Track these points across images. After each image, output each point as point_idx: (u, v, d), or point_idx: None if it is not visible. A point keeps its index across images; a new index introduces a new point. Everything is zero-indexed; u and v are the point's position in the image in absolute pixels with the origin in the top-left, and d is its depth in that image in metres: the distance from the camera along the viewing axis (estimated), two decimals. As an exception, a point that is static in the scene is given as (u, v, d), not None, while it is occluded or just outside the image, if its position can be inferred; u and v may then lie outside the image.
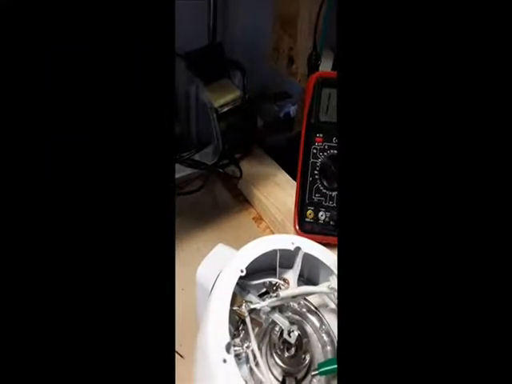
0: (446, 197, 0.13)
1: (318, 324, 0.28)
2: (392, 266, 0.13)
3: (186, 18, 0.49)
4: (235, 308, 0.25)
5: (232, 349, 0.23)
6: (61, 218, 0.14)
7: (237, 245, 0.31)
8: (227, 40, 0.55)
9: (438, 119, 0.13)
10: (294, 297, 0.27)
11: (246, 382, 0.23)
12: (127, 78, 0.15)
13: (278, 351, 0.25)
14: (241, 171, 0.50)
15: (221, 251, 0.30)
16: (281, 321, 0.25)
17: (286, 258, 0.30)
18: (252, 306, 0.26)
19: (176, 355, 0.35)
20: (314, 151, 0.39)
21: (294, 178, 0.50)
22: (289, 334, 0.24)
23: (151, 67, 0.16)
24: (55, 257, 0.14)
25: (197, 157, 0.48)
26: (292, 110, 0.66)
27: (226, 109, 0.48)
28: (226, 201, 0.50)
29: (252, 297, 0.27)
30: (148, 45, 0.16)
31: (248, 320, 0.25)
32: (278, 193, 0.48)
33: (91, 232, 0.14)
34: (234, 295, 0.27)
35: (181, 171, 0.49)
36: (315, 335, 0.27)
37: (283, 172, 0.52)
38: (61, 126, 0.14)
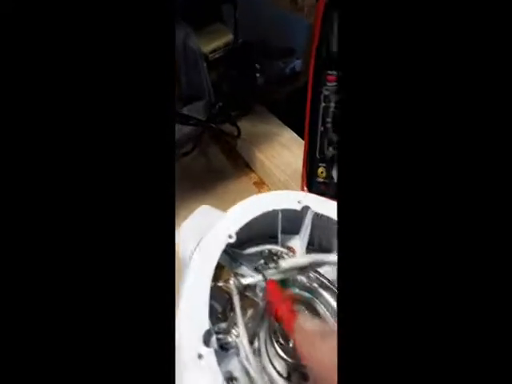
0: (446, 201, 0.13)
1: (333, 303, 0.21)
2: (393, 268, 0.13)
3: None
4: (221, 284, 0.19)
5: (213, 338, 0.16)
6: (58, 215, 0.14)
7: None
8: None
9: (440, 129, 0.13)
10: (301, 268, 0.21)
11: (237, 379, 0.17)
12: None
13: (281, 339, 0.18)
14: (239, 130, 0.42)
15: (204, 213, 0.23)
16: (283, 300, 0.19)
17: (290, 221, 0.23)
18: (243, 281, 0.19)
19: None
20: (326, 93, 0.32)
21: (302, 137, 0.42)
22: (294, 318, 0.18)
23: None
24: (53, 259, 0.14)
25: (185, 111, 0.40)
26: (297, 64, 0.58)
27: (217, 55, 0.41)
28: (223, 165, 0.43)
29: (245, 269, 0.21)
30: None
31: (236, 299, 0.18)
32: (284, 154, 0.42)
33: (87, 228, 0.14)
34: (222, 268, 0.20)
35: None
36: (330, 316, 0.21)
37: (289, 130, 0.44)
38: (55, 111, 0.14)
